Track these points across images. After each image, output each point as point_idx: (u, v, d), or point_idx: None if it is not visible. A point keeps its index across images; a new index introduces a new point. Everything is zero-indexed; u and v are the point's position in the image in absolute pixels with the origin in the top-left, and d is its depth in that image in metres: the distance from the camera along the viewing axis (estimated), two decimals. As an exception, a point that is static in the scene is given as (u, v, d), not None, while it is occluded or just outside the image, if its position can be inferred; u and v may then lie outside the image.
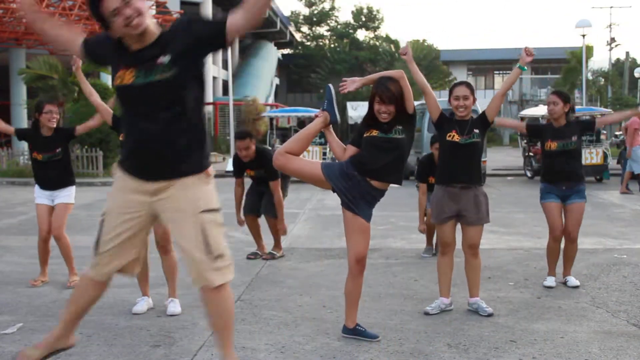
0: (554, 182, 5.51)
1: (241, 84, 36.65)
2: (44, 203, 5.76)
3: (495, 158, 23.59)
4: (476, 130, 4.77)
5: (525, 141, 17.75)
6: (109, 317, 4.72)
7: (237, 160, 6.80)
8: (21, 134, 5.89)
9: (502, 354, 3.94)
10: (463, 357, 3.89)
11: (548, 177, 5.57)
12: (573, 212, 5.55)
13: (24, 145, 22.44)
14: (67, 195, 5.77)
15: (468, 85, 4.84)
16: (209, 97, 34.72)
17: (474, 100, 4.81)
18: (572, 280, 5.62)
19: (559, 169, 5.48)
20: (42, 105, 5.63)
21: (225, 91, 33.58)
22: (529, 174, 17.42)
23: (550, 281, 5.63)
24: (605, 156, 15.92)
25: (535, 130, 5.76)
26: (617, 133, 35.08)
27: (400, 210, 10.64)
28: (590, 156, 15.59)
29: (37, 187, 5.81)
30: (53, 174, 5.71)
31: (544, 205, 5.62)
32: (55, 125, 5.65)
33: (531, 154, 17.01)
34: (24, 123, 23.51)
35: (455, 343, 4.14)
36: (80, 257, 6.65)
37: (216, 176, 14.02)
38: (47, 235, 5.78)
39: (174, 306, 4.84)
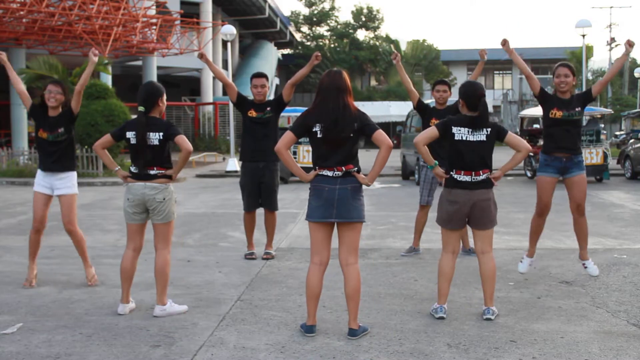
0: (555, 151, 5.61)
1: (241, 83, 36.61)
2: (42, 192, 5.73)
3: (495, 158, 23.45)
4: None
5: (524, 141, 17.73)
6: (108, 317, 4.72)
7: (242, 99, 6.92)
8: (32, 109, 5.89)
9: (502, 354, 3.94)
10: (463, 357, 3.89)
11: (549, 147, 5.67)
12: (576, 184, 5.66)
13: (24, 145, 22.54)
14: (69, 186, 5.76)
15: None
16: (209, 97, 34.74)
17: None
18: (592, 267, 5.74)
19: (562, 136, 5.59)
20: (45, 85, 5.84)
21: (225, 91, 33.59)
22: (528, 174, 17.41)
23: (524, 266, 5.77)
24: (605, 156, 15.90)
25: (544, 94, 5.76)
26: (617, 133, 35.11)
27: (400, 210, 10.64)
28: (590, 156, 15.57)
29: (38, 172, 5.78)
30: (56, 154, 5.69)
31: (538, 179, 5.71)
32: (54, 105, 5.75)
33: (531, 153, 16.99)
34: (24, 123, 23.52)
35: (455, 343, 4.14)
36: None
37: (216, 176, 14.19)
38: (39, 226, 5.76)
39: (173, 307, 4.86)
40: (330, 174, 4.21)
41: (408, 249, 7.13)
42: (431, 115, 6.76)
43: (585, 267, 5.75)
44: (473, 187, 4.64)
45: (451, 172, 4.68)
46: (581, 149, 5.75)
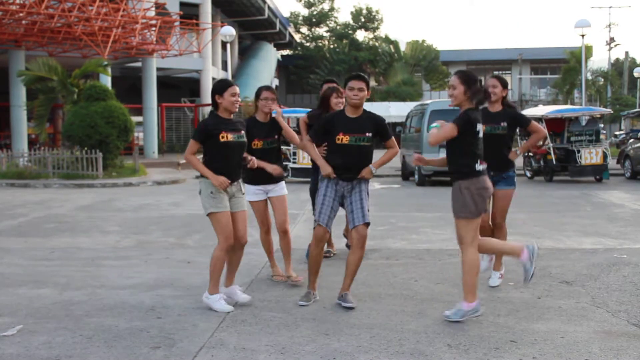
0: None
1: (240, 84, 36.52)
2: (259, 199, 5.79)
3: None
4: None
5: (524, 141, 17.74)
6: (109, 319, 4.72)
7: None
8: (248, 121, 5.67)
9: (502, 354, 3.94)
10: (463, 357, 3.89)
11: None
12: (499, 199, 5.56)
13: (24, 146, 22.51)
14: (281, 187, 5.82)
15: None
16: (209, 98, 34.72)
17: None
18: (494, 279, 5.65)
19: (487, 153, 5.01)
20: (260, 92, 5.73)
21: (225, 92, 33.46)
22: (528, 174, 17.42)
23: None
24: (605, 156, 15.90)
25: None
26: (616, 133, 35.14)
27: (400, 210, 10.64)
28: (590, 156, 15.58)
29: (246, 186, 5.65)
30: (267, 161, 5.55)
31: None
32: (268, 111, 5.68)
33: (531, 154, 17.00)
34: (24, 125, 23.51)
35: (455, 343, 4.14)
36: (82, 259, 6.66)
37: (216, 177, 13.19)
38: (268, 227, 5.91)
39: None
40: None
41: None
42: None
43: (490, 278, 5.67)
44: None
45: (475, 164, 4.62)
46: (510, 165, 5.57)
